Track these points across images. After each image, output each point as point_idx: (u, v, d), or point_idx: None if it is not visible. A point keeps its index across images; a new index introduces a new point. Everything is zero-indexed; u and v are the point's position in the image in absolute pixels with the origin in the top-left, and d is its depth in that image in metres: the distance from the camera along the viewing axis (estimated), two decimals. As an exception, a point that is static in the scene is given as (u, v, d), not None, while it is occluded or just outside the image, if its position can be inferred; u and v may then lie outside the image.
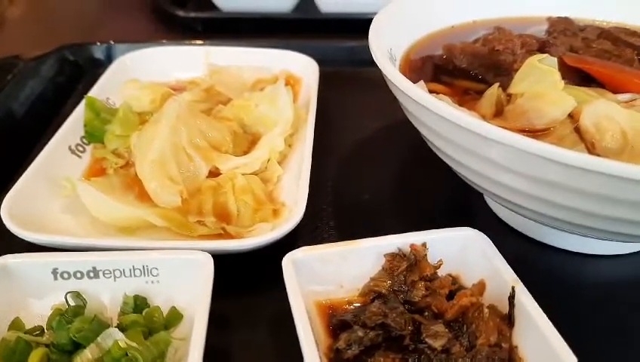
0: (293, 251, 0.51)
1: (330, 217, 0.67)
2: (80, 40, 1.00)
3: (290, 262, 0.49)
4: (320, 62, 0.89)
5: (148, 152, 0.62)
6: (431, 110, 0.47)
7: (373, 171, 0.75)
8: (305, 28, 1.16)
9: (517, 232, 0.64)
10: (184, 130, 0.65)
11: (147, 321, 0.48)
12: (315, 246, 0.51)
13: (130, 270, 0.50)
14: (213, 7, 1.21)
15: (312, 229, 0.64)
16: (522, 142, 0.42)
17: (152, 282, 0.51)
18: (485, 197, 0.68)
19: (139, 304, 0.49)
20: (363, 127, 0.85)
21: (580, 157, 0.40)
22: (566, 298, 0.57)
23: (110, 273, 0.50)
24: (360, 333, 0.44)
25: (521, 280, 0.48)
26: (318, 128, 0.76)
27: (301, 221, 0.59)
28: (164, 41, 0.99)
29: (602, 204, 0.43)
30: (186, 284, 0.50)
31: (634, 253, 0.61)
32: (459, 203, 0.70)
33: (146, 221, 0.58)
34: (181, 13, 1.16)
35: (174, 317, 0.49)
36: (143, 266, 0.50)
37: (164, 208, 0.60)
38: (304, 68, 0.87)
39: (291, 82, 0.87)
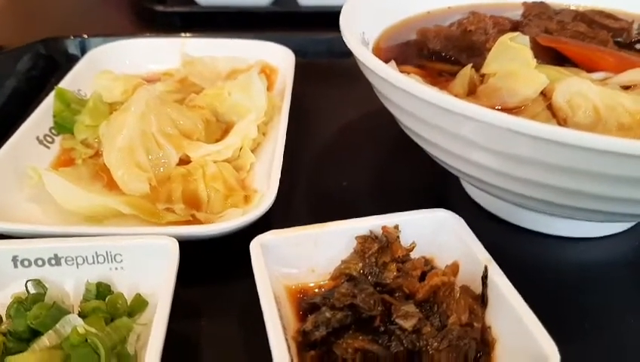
0: (263, 234, 0.49)
1: (305, 204, 0.66)
2: (59, 34, 0.98)
3: (259, 245, 0.48)
4: (298, 54, 0.88)
5: (115, 140, 0.60)
6: (398, 86, 0.46)
7: (350, 159, 0.74)
8: (283, 21, 1.15)
9: (494, 216, 0.63)
10: (154, 118, 0.64)
11: (110, 308, 0.46)
12: (285, 229, 0.50)
13: (94, 256, 0.49)
14: (193, 3, 1.20)
15: (286, 216, 0.62)
16: (488, 115, 0.41)
17: (117, 269, 0.49)
18: (462, 182, 0.67)
19: (102, 291, 0.48)
20: (340, 116, 0.84)
21: (547, 129, 0.39)
22: (541, 280, 0.56)
23: (72, 260, 0.49)
24: (327, 314, 0.42)
25: (497, 263, 0.47)
26: (295, 117, 0.75)
27: (275, 208, 0.58)
28: (139, 36, 0.97)
29: (572, 178, 0.43)
30: (151, 270, 0.48)
31: (608, 235, 0.60)
32: (436, 189, 0.69)
33: (113, 209, 0.57)
34: (159, 7, 1.14)
35: (139, 304, 0.48)
36: (107, 252, 0.49)
37: (132, 196, 0.58)
38: (280, 58, 0.86)
39: (267, 72, 0.86)
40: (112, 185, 0.61)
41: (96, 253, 0.49)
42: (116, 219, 0.57)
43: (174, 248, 0.48)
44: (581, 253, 0.60)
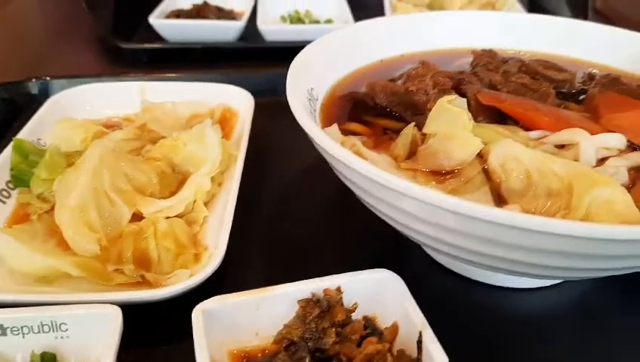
0: (205, 301, 0.50)
1: (259, 257, 0.67)
2: (27, 73, 0.99)
3: (201, 313, 0.49)
4: (261, 92, 0.89)
5: (67, 199, 0.61)
6: (331, 155, 0.47)
7: (306, 207, 0.75)
8: (249, 57, 1.17)
9: (448, 269, 0.64)
10: (107, 174, 0.64)
11: (54, 379, 0.47)
12: (228, 294, 0.51)
13: (39, 326, 0.49)
14: (160, 39, 1.21)
15: (238, 270, 0.63)
16: (411, 190, 0.43)
17: (62, 337, 0.50)
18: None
19: (47, 361, 0.48)
20: (301, 159, 0.84)
21: (462, 205, 0.41)
22: (492, 330, 0.58)
23: (18, 330, 0.49)
24: (262, 387, 0.43)
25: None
26: (253, 162, 0.76)
27: (227, 263, 0.59)
28: (103, 75, 0.98)
29: (489, 246, 0.44)
30: (96, 338, 0.49)
31: (557, 284, 0.62)
32: (392, 240, 0.70)
33: (64, 271, 0.57)
34: (124, 45, 1.15)
35: (83, 374, 0.48)
36: (52, 322, 0.49)
37: (82, 257, 0.59)
38: (240, 101, 0.87)
39: (227, 115, 0.87)
40: (64, 243, 0.61)
41: (41, 322, 0.49)
42: (67, 279, 0.58)
43: (117, 316, 0.49)
44: (528, 302, 0.62)
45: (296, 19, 1.29)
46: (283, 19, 1.31)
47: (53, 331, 0.50)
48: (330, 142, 0.49)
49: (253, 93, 0.89)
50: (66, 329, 0.50)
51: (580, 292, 0.62)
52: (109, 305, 0.50)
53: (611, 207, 0.45)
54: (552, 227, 0.39)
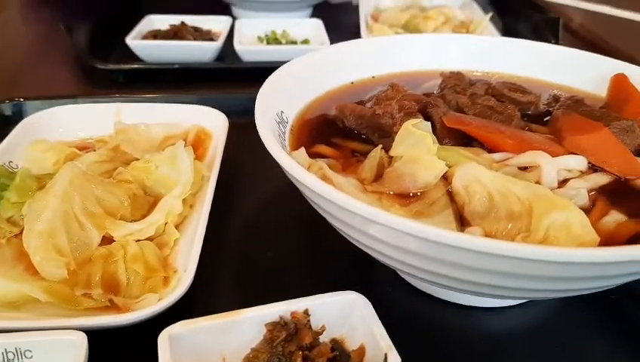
0: (171, 326, 0.50)
1: (228, 281, 0.67)
2: (2, 94, 0.98)
3: (167, 338, 0.49)
4: (237, 113, 0.90)
5: (36, 223, 0.61)
6: (297, 179, 0.48)
7: (277, 229, 0.75)
8: (226, 77, 1.17)
9: (416, 289, 0.65)
10: (77, 197, 0.64)
11: (16, 408, 0.46)
12: (194, 319, 0.51)
13: (3, 354, 0.49)
14: (137, 60, 1.22)
15: (207, 294, 0.64)
16: (375, 215, 0.43)
17: (27, 365, 0.50)
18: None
19: (10, 390, 0.48)
20: (274, 179, 0.84)
21: (419, 228, 0.42)
22: (459, 350, 0.59)
23: (-18, 358, 0.49)
24: (226, 413, 0.43)
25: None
26: (225, 184, 0.77)
27: (196, 286, 0.59)
28: (78, 96, 0.98)
29: (453, 269, 0.45)
30: (61, 365, 0.49)
31: (524, 303, 0.63)
32: (362, 262, 0.70)
33: (31, 296, 0.57)
34: (101, 65, 1.15)
35: (48, 401, 0.48)
36: (16, 349, 0.49)
37: (49, 281, 0.58)
38: (215, 122, 0.88)
39: (202, 137, 0.87)
40: (33, 267, 0.61)
41: (5, 349, 0.49)
42: (34, 304, 0.58)
43: (82, 343, 0.49)
44: (493, 321, 0.63)
45: (273, 39, 1.31)
46: (260, 39, 1.32)
47: (18, 358, 0.49)
48: (296, 167, 0.49)
49: (228, 113, 0.89)
50: (31, 357, 0.49)
51: (546, 312, 0.63)
52: (74, 331, 0.49)
53: (569, 229, 0.46)
54: (508, 250, 0.40)
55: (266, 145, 0.54)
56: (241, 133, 0.88)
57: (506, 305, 0.63)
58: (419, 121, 0.57)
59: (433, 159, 0.54)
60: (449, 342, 0.60)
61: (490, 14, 1.40)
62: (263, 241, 0.73)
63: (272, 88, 0.65)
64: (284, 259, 0.70)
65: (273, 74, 0.68)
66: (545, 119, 0.70)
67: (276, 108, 0.64)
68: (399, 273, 0.66)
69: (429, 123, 0.58)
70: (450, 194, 0.54)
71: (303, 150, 0.58)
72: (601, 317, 0.63)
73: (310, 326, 0.52)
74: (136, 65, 1.18)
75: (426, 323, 0.62)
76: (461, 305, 0.63)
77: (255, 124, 0.97)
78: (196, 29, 1.30)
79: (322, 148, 0.63)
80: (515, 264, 0.42)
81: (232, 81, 1.17)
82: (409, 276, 0.57)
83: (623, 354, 0.59)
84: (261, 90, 0.64)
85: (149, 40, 1.22)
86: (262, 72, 0.74)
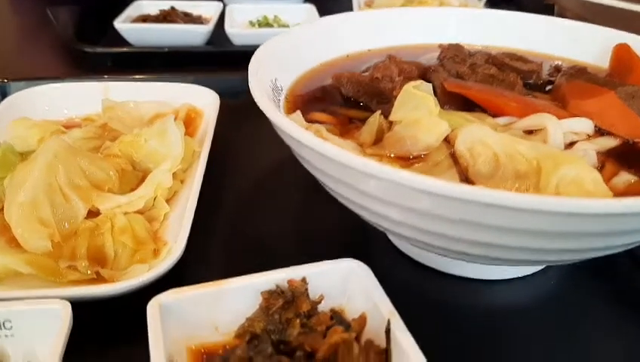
0: (161, 294, 0.47)
1: (222, 253, 0.64)
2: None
3: (157, 307, 0.46)
4: (228, 95, 0.88)
5: (17, 195, 0.58)
6: (292, 137, 0.45)
7: (272, 204, 0.73)
8: (216, 61, 1.15)
9: (415, 262, 0.63)
10: (62, 169, 0.61)
11: (-5, 380, 0.43)
12: (185, 287, 0.48)
13: (-19, 324, 0.46)
14: (126, 43, 1.19)
15: (201, 267, 0.61)
16: (370, 167, 0.41)
17: (7, 336, 0.47)
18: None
19: (-12, 361, 0.45)
20: (265, 158, 0.83)
21: (430, 183, 0.39)
22: (457, 324, 0.56)
23: (-40, 329, 0.46)
24: (220, 380, 0.41)
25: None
26: (216, 161, 0.74)
27: (189, 258, 0.57)
28: (65, 78, 0.95)
29: (465, 229, 0.43)
30: (43, 336, 0.46)
31: (523, 276, 0.61)
32: (358, 233, 0.68)
33: (13, 269, 0.54)
34: (89, 49, 1.12)
35: (30, 374, 0.45)
36: (-5, 320, 0.46)
37: (33, 254, 0.56)
38: (206, 101, 0.85)
39: (192, 115, 0.85)
40: (16, 241, 0.58)
41: (-18, 320, 0.46)
42: (17, 278, 0.55)
43: (66, 312, 0.46)
44: (497, 294, 0.60)
45: (265, 24, 1.28)
46: (251, 24, 1.30)
47: (-2, 329, 0.46)
48: (292, 126, 0.47)
49: (219, 95, 0.87)
50: (11, 327, 0.46)
51: (551, 284, 0.61)
52: (58, 300, 0.46)
53: (580, 185, 0.44)
54: (522, 202, 0.38)
55: (260, 106, 0.51)
56: (232, 114, 0.86)
57: (509, 277, 0.60)
58: (419, 82, 0.55)
59: (435, 120, 0.52)
60: (450, 314, 0.57)
61: (484, 0, 1.38)
62: (255, 216, 0.70)
63: (266, 55, 0.63)
64: (277, 234, 0.68)
65: (266, 42, 0.66)
66: (547, 88, 0.68)
67: (270, 75, 0.62)
68: (398, 245, 0.63)
69: (430, 85, 0.56)
70: (454, 157, 0.52)
71: (299, 113, 0.55)
72: (608, 288, 0.61)
73: (308, 294, 0.50)
74: (125, 49, 1.16)
75: (424, 295, 0.60)
76: (461, 277, 0.60)
77: (246, 105, 0.96)
78: (186, 14, 1.27)
79: (319, 116, 0.60)
80: (528, 218, 0.39)
81: (223, 65, 1.15)
82: (410, 243, 0.54)
83: (631, 324, 0.57)
84: (255, 55, 0.62)
85: (138, 23, 1.19)
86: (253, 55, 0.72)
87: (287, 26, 1.28)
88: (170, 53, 1.13)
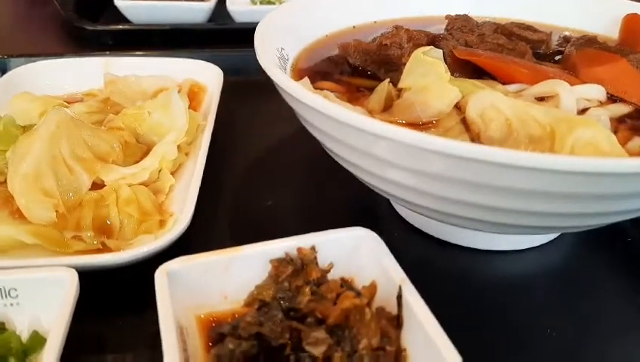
0: (169, 262, 0.47)
1: (228, 225, 0.64)
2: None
3: (165, 274, 0.46)
4: (231, 71, 0.87)
5: (20, 165, 0.57)
6: (302, 101, 0.44)
7: (277, 177, 0.73)
8: (218, 38, 1.13)
9: (421, 232, 0.62)
10: (65, 141, 0.61)
11: (1, 349, 0.43)
12: (193, 255, 0.48)
13: (-15, 293, 0.45)
14: (126, 21, 1.17)
15: (207, 239, 0.60)
16: (385, 129, 0.40)
17: (12, 304, 0.46)
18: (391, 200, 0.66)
19: (-6, 329, 0.44)
20: (268, 133, 0.82)
21: (448, 144, 0.38)
22: (466, 294, 0.56)
23: (-36, 298, 0.45)
24: (231, 346, 0.40)
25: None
26: (221, 136, 0.74)
27: (195, 231, 0.56)
28: (65, 55, 0.94)
29: (482, 193, 0.42)
30: (50, 305, 0.45)
31: (534, 247, 0.60)
32: (364, 207, 0.68)
33: (16, 239, 0.53)
34: (89, 26, 1.11)
35: (36, 342, 0.44)
36: (0, 288, 0.45)
37: (37, 225, 0.55)
38: (209, 76, 0.84)
39: (195, 90, 0.83)
40: (20, 213, 0.57)
41: (-13, 289, 0.45)
42: (21, 249, 0.54)
43: (72, 280, 0.45)
44: (506, 265, 0.60)
45: (266, 1, 1.26)
46: (253, 1, 1.28)
47: (3, 298, 0.46)
48: (300, 89, 0.46)
49: (222, 71, 0.85)
50: (16, 296, 0.46)
51: (562, 256, 0.60)
52: (64, 268, 0.46)
53: (596, 147, 0.43)
54: (539, 162, 0.37)
55: (267, 71, 0.50)
56: (234, 91, 0.86)
57: (521, 248, 0.60)
58: (429, 48, 0.54)
59: (446, 86, 0.51)
60: (459, 285, 0.57)
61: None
62: (261, 189, 0.70)
63: (271, 24, 0.62)
64: (283, 206, 0.67)
65: (271, 12, 0.65)
66: (556, 58, 0.67)
67: (276, 44, 0.60)
68: (406, 216, 0.63)
69: (441, 50, 0.55)
70: (465, 123, 0.51)
71: (307, 80, 0.54)
72: (618, 260, 0.60)
73: (317, 262, 0.49)
74: (125, 27, 1.14)
75: (434, 267, 0.59)
76: (471, 248, 0.60)
77: (250, 82, 0.95)
78: (187, -8, 1.25)
79: (326, 84, 0.59)
80: (543, 179, 0.38)
81: (225, 43, 1.13)
82: (419, 211, 0.53)
83: (642, 295, 0.57)
84: (260, 24, 0.60)
85: (138, 0, 1.18)
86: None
87: (289, 4, 1.27)
88: (171, 30, 1.12)
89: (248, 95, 0.93)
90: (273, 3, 1.26)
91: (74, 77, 0.84)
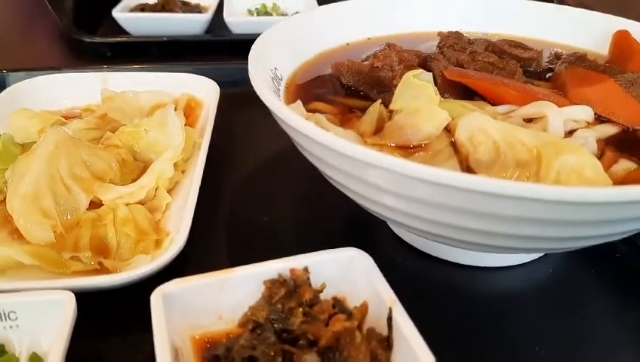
0: (165, 284, 0.48)
1: (224, 243, 0.65)
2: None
3: (161, 297, 0.47)
4: (228, 84, 0.88)
5: (19, 185, 0.58)
6: (293, 127, 0.46)
7: (274, 193, 0.73)
8: (215, 50, 1.14)
9: (414, 249, 0.63)
10: (63, 160, 0.62)
11: (1, 371, 0.44)
12: (188, 277, 0.49)
13: (-15, 316, 0.46)
14: (124, 33, 1.19)
15: (202, 257, 0.61)
16: (370, 156, 0.41)
17: (11, 327, 0.47)
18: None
19: (-6, 352, 0.45)
20: (266, 148, 0.83)
21: (431, 172, 0.39)
22: (459, 311, 0.57)
23: (-36, 321, 0.46)
24: (225, 369, 0.41)
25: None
26: (218, 151, 0.75)
27: (191, 249, 0.57)
28: (63, 68, 0.95)
29: (467, 218, 0.43)
30: (48, 327, 0.46)
31: (524, 263, 0.61)
32: (360, 223, 0.69)
33: (15, 260, 0.54)
34: (87, 38, 1.12)
35: (35, 364, 0.46)
36: (0, 310, 0.46)
37: (36, 245, 0.56)
38: (205, 91, 0.85)
39: (192, 105, 0.84)
40: (19, 233, 0.58)
41: (-13, 311, 0.46)
42: (19, 270, 0.55)
43: (70, 303, 0.46)
44: (495, 282, 0.61)
45: (263, 12, 1.28)
46: (250, 12, 1.29)
47: (2, 320, 0.47)
48: (293, 115, 0.47)
49: (219, 84, 0.86)
50: (16, 318, 0.47)
51: (550, 272, 0.61)
52: (62, 291, 0.47)
53: (581, 173, 0.44)
54: (523, 191, 0.38)
55: (260, 96, 0.51)
56: (231, 103, 0.86)
57: (509, 265, 0.61)
58: (420, 71, 0.55)
59: (435, 109, 0.52)
60: (450, 302, 0.58)
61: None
62: (257, 206, 0.70)
63: (265, 44, 0.63)
64: (279, 224, 0.68)
65: (266, 31, 0.66)
66: (547, 76, 0.68)
67: (270, 65, 0.61)
68: (398, 233, 0.64)
69: (431, 74, 0.56)
70: (454, 146, 0.52)
71: (299, 103, 0.55)
72: (607, 276, 0.61)
73: (310, 283, 0.50)
74: (123, 38, 1.15)
75: (425, 283, 0.60)
76: (462, 264, 0.61)
77: (246, 94, 0.95)
78: (184, 3, 1.27)
79: (319, 105, 0.60)
80: (527, 206, 0.39)
81: (222, 54, 1.14)
82: (412, 231, 0.55)
83: (630, 311, 0.58)
84: (254, 45, 0.61)
85: (136, 13, 1.19)
86: (252, 44, 0.72)
87: (286, 15, 1.28)
88: (168, 42, 1.13)
89: (245, 106, 0.93)
90: (270, 14, 1.27)
91: (72, 91, 0.85)
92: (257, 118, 0.92)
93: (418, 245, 0.62)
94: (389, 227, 0.66)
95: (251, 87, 0.97)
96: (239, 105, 0.92)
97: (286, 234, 0.67)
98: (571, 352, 0.53)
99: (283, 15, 1.28)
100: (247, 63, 0.59)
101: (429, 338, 0.43)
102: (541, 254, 0.62)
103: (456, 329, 0.55)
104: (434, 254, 0.62)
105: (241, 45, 1.13)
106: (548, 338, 0.54)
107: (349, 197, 0.58)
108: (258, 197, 0.73)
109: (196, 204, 0.60)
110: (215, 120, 0.78)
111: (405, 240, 0.64)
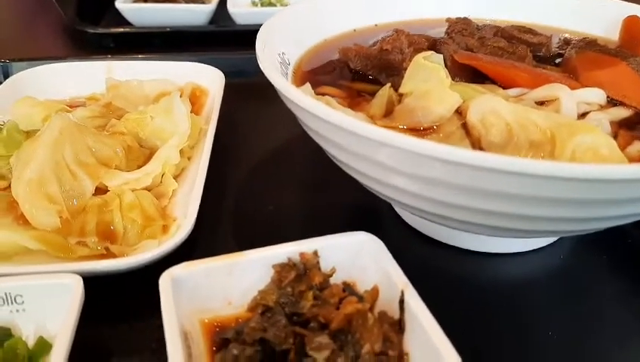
0: (173, 267, 0.47)
1: (230, 230, 0.64)
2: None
3: (169, 280, 0.46)
4: (232, 74, 0.87)
5: (24, 171, 0.57)
6: (304, 108, 0.45)
7: (279, 181, 0.73)
8: (219, 41, 1.14)
9: (423, 236, 0.63)
10: (68, 147, 0.61)
11: (7, 354, 0.43)
12: (197, 260, 0.48)
13: (-7, 299, 0.46)
14: (127, 24, 1.18)
15: (210, 243, 0.61)
16: (381, 135, 0.40)
17: (18, 311, 0.47)
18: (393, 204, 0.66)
19: (0, 336, 0.45)
20: (271, 137, 0.82)
21: (447, 150, 0.39)
22: (467, 297, 0.56)
23: (-29, 304, 0.46)
24: (235, 351, 0.40)
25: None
26: (223, 139, 0.74)
27: (198, 236, 0.57)
28: (67, 58, 0.94)
29: (482, 199, 0.42)
30: (55, 311, 0.46)
31: (535, 250, 0.60)
32: (366, 211, 0.68)
33: (21, 245, 0.54)
34: (91, 30, 1.11)
35: (42, 348, 0.45)
36: (6, 294, 0.46)
37: (42, 230, 0.55)
38: (210, 79, 0.84)
39: (197, 93, 0.84)
40: (24, 218, 0.58)
41: (-6, 295, 0.46)
42: (25, 255, 0.54)
43: (77, 286, 0.45)
44: (507, 268, 0.60)
45: (267, 3, 1.27)
46: (254, 3, 1.28)
47: (8, 304, 0.46)
48: (303, 96, 0.46)
49: (223, 74, 0.86)
50: (22, 302, 0.46)
51: (562, 257, 0.61)
52: (69, 274, 0.46)
53: (596, 152, 0.44)
54: (540, 169, 0.37)
55: (268, 77, 0.50)
56: (236, 93, 0.86)
57: (523, 250, 0.60)
58: (430, 53, 0.54)
59: (447, 91, 0.51)
60: (461, 287, 0.57)
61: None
62: (263, 192, 0.70)
63: (271, 30, 0.62)
64: (286, 209, 0.67)
65: (273, 17, 0.65)
66: (557, 61, 0.67)
67: (277, 49, 0.61)
68: (407, 219, 0.63)
69: (441, 56, 0.55)
70: (466, 128, 0.51)
71: (308, 85, 0.54)
72: (619, 262, 0.60)
73: (320, 267, 0.49)
74: (126, 29, 1.14)
75: (435, 269, 0.59)
76: (472, 251, 0.60)
77: (251, 84, 0.95)
78: (188, -6, 1.26)
79: (327, 89, 0.60)
80: (543, 185, 0.39)
81: (226, 45, 1.14)
82: (421, 214, 0.54)
83: (641, 296, 0.57)
84: (260, 30, 0.61)
85: (139, 3, 1.18)
86: (256, 35, 0.72)
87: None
88: (172, 33, 1.12)
89: (250, 97, 0.93)
90: (274, 5, 1.26)
91: (76, 81, 0.85)
92: (262, 107, 0.91)
93: (426, 231, 0.62)
94: (396, 214, 0.65)
95: (255, 76, 0.97)
96: (244, 95, 0.91)
97: (292, 222, 0.66)
98: (583, 337, 0.52)
99: (286, 5, 1.27)
100: (251, 53, 0.58)
101: (439, 322, 0.42)
102: (552, 240, 0.61)
103: (466, 315, 0.54)
104: (442, 240, 0.61)
105: (245, 36, 1.12)
106: (560, 323, 0.53)
107: (355, 186, 0.58)
108: (264, 185, 0.72)
109: (203, 189, 0.60)
110: (220, 109, 0.77)
111: (413, 225, 0.63)
